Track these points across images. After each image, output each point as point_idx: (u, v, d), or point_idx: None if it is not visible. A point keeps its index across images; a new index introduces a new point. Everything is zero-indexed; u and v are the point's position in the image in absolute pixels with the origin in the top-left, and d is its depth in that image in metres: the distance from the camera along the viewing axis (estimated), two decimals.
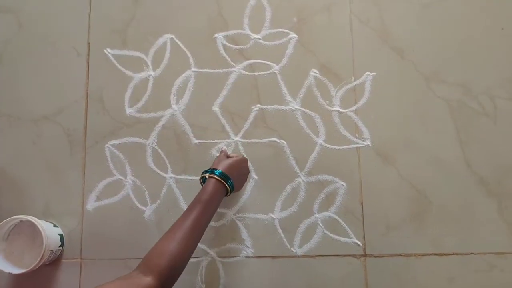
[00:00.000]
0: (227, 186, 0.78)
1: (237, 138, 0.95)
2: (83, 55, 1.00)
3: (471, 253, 0.89)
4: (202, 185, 0.80)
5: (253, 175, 0.94)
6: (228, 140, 0.95)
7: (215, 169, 0.79)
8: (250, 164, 0.94)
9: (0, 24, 1.01)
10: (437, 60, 0.96)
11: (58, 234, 0.90)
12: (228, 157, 0.86)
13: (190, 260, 0.90)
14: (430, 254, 0.90)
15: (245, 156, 0.92)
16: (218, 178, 0.77)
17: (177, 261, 0.66)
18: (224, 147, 0.93)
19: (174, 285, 0.90)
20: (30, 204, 0.94)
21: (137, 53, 0.99)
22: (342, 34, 0.98)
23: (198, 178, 0.82)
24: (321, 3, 0.99)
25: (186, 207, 0.90)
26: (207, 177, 0.78)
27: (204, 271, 0.91)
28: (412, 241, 0.90)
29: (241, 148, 0.95)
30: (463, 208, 0.91)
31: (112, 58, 0.99)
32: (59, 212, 0.94)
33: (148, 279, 0.63)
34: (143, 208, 0.93)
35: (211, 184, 0.76)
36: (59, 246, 0.90)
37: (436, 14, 0.98)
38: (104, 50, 0.99)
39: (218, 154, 0.92)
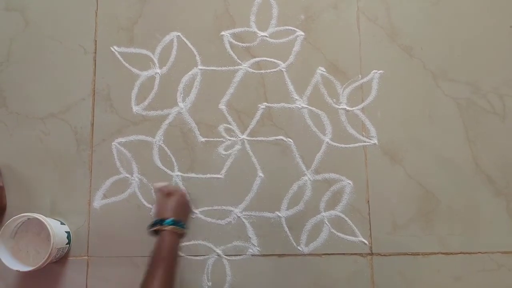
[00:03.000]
0: (183, 231, 0.75)
1: (244, 136, 0.95)
2: (90, 53, 1.00)
3: (479, 252, 0.89)
4: (153, 235, 0.74)
5: (259, 173, 0.94)
6: (234, 139, 0.95)
7: (163, 219, 0.73)
8: (256, 162, 0.94)
9: (6, 22, 1.01)
10: (445, 58, 0.95)
11: (66, 232, 0.91)
12: (168, 193, 0.79)
13: (196, 258, 0.92)
14: (437, 253, 0.89)
15: (182, 187, 0.88)
16: (170, 229, 0.72)
17: None
18: (158, 185, 0.82)
19: (180, 283, 0.91)
20: (37, 202, 0.94)
21: (143, 51, 0.99)
22: (349, 31, 0.97)
23: (148, 229, 0.74)
24: (328, 1, 0.98)
25: (192, 205, 0.90)
26: (159, 230, 0.73)
27: (210, 269, 0.91)
28: (419, 240, 0.90)
29: (247, 146, 0.95)
30: (471, 207, 0.90)
31: (119, 55, 0.99)
32: (66, 209, 0.94)
33: None
34: (150, 206, 0.94)
35: (166, 237, 0.71)
36: (66, 244, 0.90)
37: (444, 12, 0.97)
38: (111, 48, 0.99)
39: (154, 193, 0.84)
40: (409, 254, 0.90)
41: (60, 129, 0.97)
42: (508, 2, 0.97)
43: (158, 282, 0.67)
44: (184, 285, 0.91)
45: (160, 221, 0.73)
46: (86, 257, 0.92)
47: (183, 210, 0.79)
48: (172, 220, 0.73)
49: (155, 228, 0.73)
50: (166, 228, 0.72)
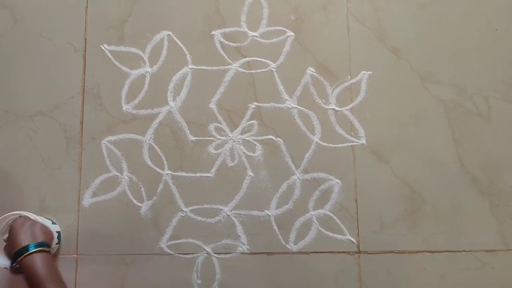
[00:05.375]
0: (48, 248, 0.76)
1: (233, 136, 0.96)
2: (80, 51, 0.99)
3: (463, 251, 0.91)
4: (18, 273, 0.75)
5: (249, 172, 0.95)
6: (224, 138, 0.96)
7: (24, 248, 0.74)
8: (246, 161, 0.95)
9: None
10: (432, 60, 0.97)
11: (56, 231, 0.90)
12: (11, 228, 0.81)
13: (186, 256, 0.92)
14: (423, 251, 0.91)
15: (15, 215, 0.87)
16: (34, 252, 0.74)
17: None
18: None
19: (169, 281, 0.92)
20: (26, 200, 0.94)
21: (134, 49, 0.99)
22: (339, 33, 0.99)
23: (13, 268, 0.75)
24: (318, 2, 0.99)
25: (182, 204, 0.92)
26: (25, 260, 0.73)
27: (200, 267, 0.92)
28: (405, 239, 0.92)
29: (237, 145, 0.95)
30: (456, 207, 0.92)
31: (109, 54, 0.99)
32: (55, 208, 0.94)
33: None
34: (140, 204, 0.94)
35: (37, 259, 0.73)
36: (56, 244, 0.90)
37: (432, 15, 0.99)
38: (101, 46, 0.99)
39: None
40: (396, 252, 0.91)
41: (49, 127, 0.97)
42: (494, 5, 0.99)
43: None
44: (174, 283, 0.91)
45: (21, 251, 0.74)
46: (76, 255, 0.92)
47: (25, 229, 0.79)
48: (34, 244, 0.74)
49: (20, 260, 0.73)
50: (30, 254, 0.73)
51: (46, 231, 0.84)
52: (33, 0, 1.01)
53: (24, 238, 0.76)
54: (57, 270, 0.74)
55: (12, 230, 0.80)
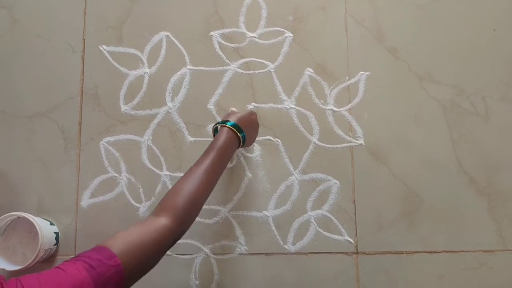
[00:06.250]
0: (240, 137, 0.78)
1: None
2: (78, 52, 0.99)
3: (461, 251, 0.91)
4: (213, 136, 0.80)
5: (247, 172, 0.95)
6: None
7: (227, 120, 0.78)
8: (244, 162, 0.95)
9: None
10: (430, 61, 0.97)
11: (54, 232, 0.90)
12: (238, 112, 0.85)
13: (184, 256, 0.92)
14: (421, 252, 0.91)
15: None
16: (231, 127, 0.77)
17: (192, 201, 0.65)
18: (234, 108, 0.90)
19: (167, 282, 0.92)
20: (24, 200, 0.94)
21: (132, 50, 0.99)
22: (337, 33, 0.99)
23: (211, 129, 0.79)
24: (316, 3, 1.00)
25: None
26: (219, 127, 0.78)
27: (198, 268, 0.92)
28: (403, 239, 0.92)
29: None
30: (454, 207, 0.93)
31: (107, 55, 0.99)
32: (53, 208, 0.94)
33: (163, 220, 0.61)
34: (138, 205, 0.94)
35: (224, 132, 0.76)
36: (54, 245, 0.90)
37: (430, 16, 0.99)
38: (100, 47, 0.99)
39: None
40: (394, 253, 0.91)
41: (48, 128, 0.97)
42: (492, 6, 0.99)
43: (205, 166, 0.70)
44: (172, 284, 0.91)
45: (222, 121, 0.78)
46: (73, 256, 0.92)
47: (248, 123, 0.82)
48: (233, 123, 0.77)
49: (217, 125, 0.79)
50: (226, 126, 0.77)
51: (252, 136, 0.87)
52: (32, 1, 1.01)
53: (236, 118, 0.80)
54: (227, 151, 0.76)
55: (242, 111, 0.84)
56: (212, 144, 0.74)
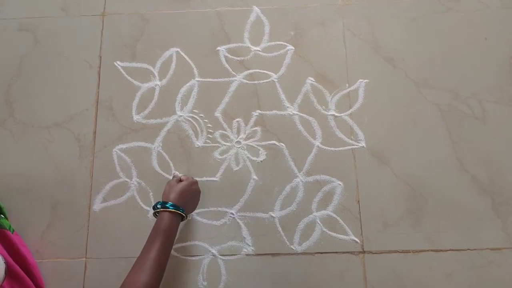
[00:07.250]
0: (181, 213, 0.81)
1: (238, 142, 1.00)
2: (95, 67, 1.07)
3: (467, 249, 0.91)
4: (155, 215, 0.83)
5: (253, 176, 0.98)
6: (229, 144, 1.00)
7: (166, 202, 0.81)
8: (250, 165, 0.98)
9: (18, 40, 1.09)
10: (426, 68, 1.02)
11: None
12: (180, 181, 0.88)
13: (192, 258, 0.94)
14: (427, 251, 0.91)
15: (194, 179, 0.92)
16: (170, 210, 0.80)
17: None
18: (175, 172, 0.95)
19: (175, 283, 0.93)
20: (39, 205, 0.97)
21: (145, 65, 1.06)
22: (336, 45, 1.05)
23: (153, 211, 0.83)
24: (316, 18, 1.07)
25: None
26: (159, 211, 0.81)
27: (205, 269, 0.93)
28: (409, 238, 0.92)
29: (242, 150, 0.99)
30: (458, 205, 0.94)
31: (121, 70, 1.06)
32: (66, 212, 0.97)
33: None
34: (147, 208, 0.97)
35: (166, 216, 0.79)
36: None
37: (423, 26, 1.05)
38: (115, 63, 1.07)
39: (170, 179, 0.93)
40: (400, 252, 0.92)
41: (64, 137, 1.02)
42: (482, 16, 1.05)
43: (154, 252, 0.74)
44: (180, 285, 0.92)
45: (161, 204, 0.81)
46: (84, 259, 0.94)
47: (188, 194, 0.86)
48: (171, 205, 0.81)
49: (155, 210, 0.81)
50: (166, 210, 0.80)
51: (193, 200, 0.90)
52: (54, 24, 1.11)
53: (174, 195, 0.83)
54: (172, 233, 0.79)
55: (181, 182, 0.87)
56: (156, 227, 0.78)
